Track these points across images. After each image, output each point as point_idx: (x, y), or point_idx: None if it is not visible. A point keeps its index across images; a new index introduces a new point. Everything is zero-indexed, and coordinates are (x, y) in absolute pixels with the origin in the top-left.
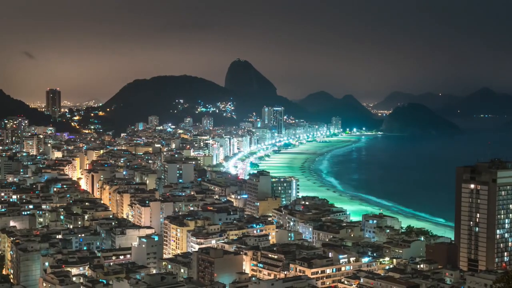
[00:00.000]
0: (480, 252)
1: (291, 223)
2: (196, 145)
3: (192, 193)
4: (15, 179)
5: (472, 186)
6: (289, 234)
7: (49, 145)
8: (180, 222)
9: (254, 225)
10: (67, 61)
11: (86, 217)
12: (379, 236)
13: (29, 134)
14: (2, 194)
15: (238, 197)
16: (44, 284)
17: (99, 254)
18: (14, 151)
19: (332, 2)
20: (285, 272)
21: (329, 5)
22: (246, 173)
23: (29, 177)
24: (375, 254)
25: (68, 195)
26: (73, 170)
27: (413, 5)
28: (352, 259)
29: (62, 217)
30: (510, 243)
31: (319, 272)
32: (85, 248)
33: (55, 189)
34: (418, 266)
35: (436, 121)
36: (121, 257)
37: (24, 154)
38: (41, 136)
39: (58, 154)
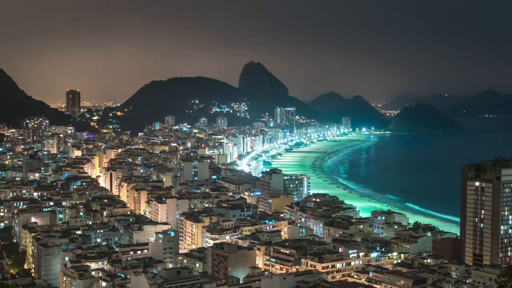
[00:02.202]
0: (485, 247)
1: (303, 219)
2: (211, 144)
3: (207, 190)
4: (36, 177)
5: (477, 183)
6: (301, 230)
7: (69, 144)
8: (196, 218)
9: (267, 221)
10: (86, 64)
11: (104, 213)
12: (387, 232)
13: (50, 133)
14: (24, 191)
15: (252, 194)
16: (64, 278)
17: (117, 249)
18: (35, 149)
19: (343, 9)
20: (297, 267)
21: (340, 12)
22: (259, 171)
23: (49, 175)
24: (383, 249)
25: (87, 192)
26: (92, 168)
27: (420, 10)
28: (361, 254)
29: (81, 213)
30: None
31: (330, 266)
32: (103, 243)
33: (75, 187)
34: (425, 260)
35: (442, 121)
36: (139, 252)
37: (45, 152)
38: (61, 136)
39: (77, 153)
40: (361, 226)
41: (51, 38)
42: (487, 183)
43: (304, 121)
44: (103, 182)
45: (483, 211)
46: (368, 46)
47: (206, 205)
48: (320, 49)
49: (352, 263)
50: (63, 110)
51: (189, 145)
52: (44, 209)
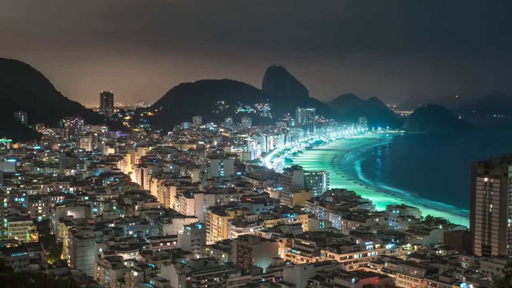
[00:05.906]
0: (493, 239)
1: (322, 213)
2: (235, 142)
3: (232, 186)
4: (72, 173)
5: (486, 179)
6: (320, 223)
7: (102, 142)
8: (222, 212)
9: (289, 215)
10: (119, 67)
11: (136, 207)
12: (402, 224)
13: (85, 132)
14: (61, 186)
15: (274, 189)
16: (98, 268)
17: (148, 241)
18: (71, 147)
19: (360, 18)
20: (317, 257)
21: (357, 20)
22: (281, 168)
23: (84, 171)
24: (398, 241)
25: (120, 188)
26: (125, 165)
27: (431, 16)
28: (377, 245)
29: (114, 207)
30: None
31: (347, 257)
32: (135, 235)
33: (108, 182)
34: (437, 252)
35: (453, 121)
36: (168, 243)
37: (80, 150)
38: (96, 134)
39: (111, 151)
40: (377, 219)
41: (87, 44)
42: (495, 179)
43: (324, 121)
44: (134, 178)
45: (491, 205)
46: (383, 51)
47: (232, 199)
48: (338, 54)
49: (369, 254)
50: (97, 110)
51: (215, 143)
52: (79, 204)
